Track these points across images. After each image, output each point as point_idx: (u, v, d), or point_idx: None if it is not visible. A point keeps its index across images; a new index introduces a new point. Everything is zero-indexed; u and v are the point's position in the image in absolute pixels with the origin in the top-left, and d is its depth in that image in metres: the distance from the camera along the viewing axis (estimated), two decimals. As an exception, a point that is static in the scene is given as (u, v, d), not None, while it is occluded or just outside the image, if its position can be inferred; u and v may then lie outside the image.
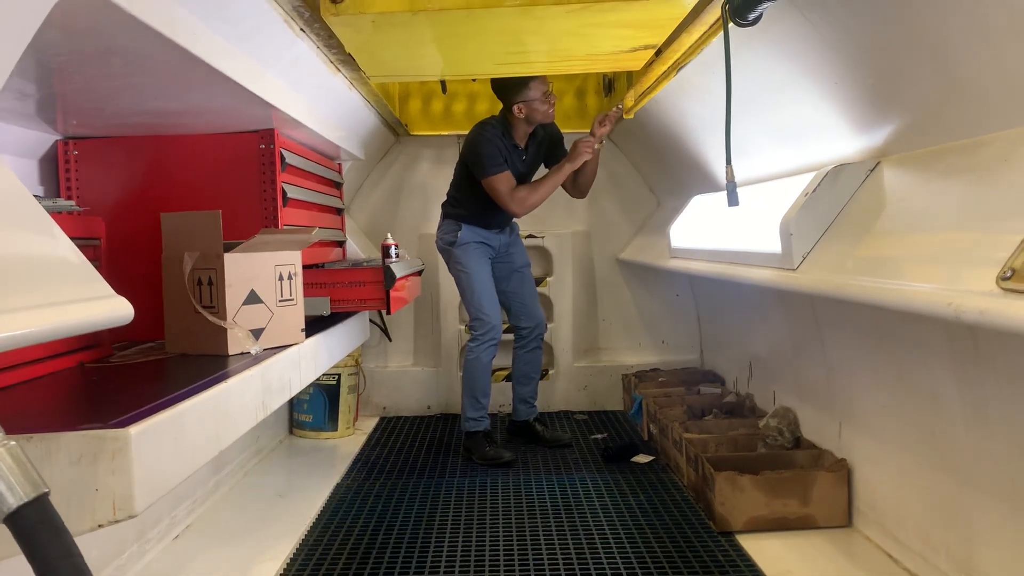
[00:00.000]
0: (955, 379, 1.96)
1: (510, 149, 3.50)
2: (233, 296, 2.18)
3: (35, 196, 1.37)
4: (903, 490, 2.31)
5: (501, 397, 4.24)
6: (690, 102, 3.07)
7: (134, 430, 1.34)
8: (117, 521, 1.35)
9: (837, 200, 2.11)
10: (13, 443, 0.80)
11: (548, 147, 3.64)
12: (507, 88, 3.42)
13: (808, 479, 2.59)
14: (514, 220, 3.76)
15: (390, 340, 4.42)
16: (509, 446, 3.69)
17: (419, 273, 3.80)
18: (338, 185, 3.79)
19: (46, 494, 0.80)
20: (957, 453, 2.02)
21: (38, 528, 0.78)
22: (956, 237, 1.63)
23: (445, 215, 3.67)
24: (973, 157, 1.68)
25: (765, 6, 1.83)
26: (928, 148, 1.87)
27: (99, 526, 1.34)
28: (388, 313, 3.04)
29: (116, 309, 1.29)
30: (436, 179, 4.41)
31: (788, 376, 3.16)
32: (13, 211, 1.26)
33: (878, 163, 2.06)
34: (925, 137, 1.88)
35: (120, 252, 2.45)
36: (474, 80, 4.14)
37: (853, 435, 2.61)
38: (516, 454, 3.54)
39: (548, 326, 4.37)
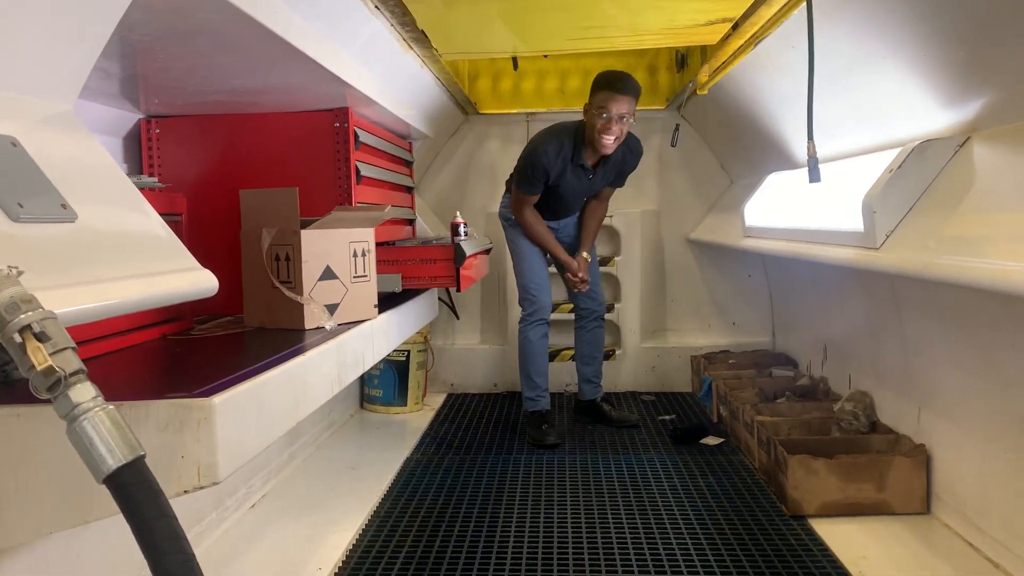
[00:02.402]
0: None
1: (568, 165, 3.32)
2: (309, 272, 2.22)
3: (123, 172, 1.41)
4: (986, 477, 2.24)
5: (567, 376, 4.24)
6: (767, 77, 2.99)
7: (218, 399, 1.37)
8: (202, 487, 1.39)
9: (923, 177, 2.03)
10: (112, 407, 0.83)
11: (617, 171, 3.49)
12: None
13: (884, 464, 2.53)
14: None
15: (458, 318, 4.45)
16: (576, 426, 3.70)
17: (487, 252, 3.81)
18: (409, 164, 3.82)
19: (142, 457, 0.83)
20: (1047, 441, 1.94)
21: (135, 489, 0.81)
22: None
23: (508, 189, 3.67)
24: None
25: (852, -25, 1.77)
26: (1020, 123, 1.79)
27: (184, 492, 1.39)
28: (458, 291, 3.06)
29: (203, 281, 1.33)
30: (504, 158, 4.41)
31: (864, 359, 3.08)
32: (109, 188, 1.30)
33: (968, 138, 1.98)
34: (1016, 112, 1.79)
35: (200, 228, 2.51)
36: (545, 56, 4.11)
37: (933, 420, 2.53)
38: (563, 438, 3.50)
39: (615, 306, 4.35)
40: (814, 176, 2.07)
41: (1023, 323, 1.95)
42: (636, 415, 3.82)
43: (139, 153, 2.70)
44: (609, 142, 3.19)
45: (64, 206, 1.10)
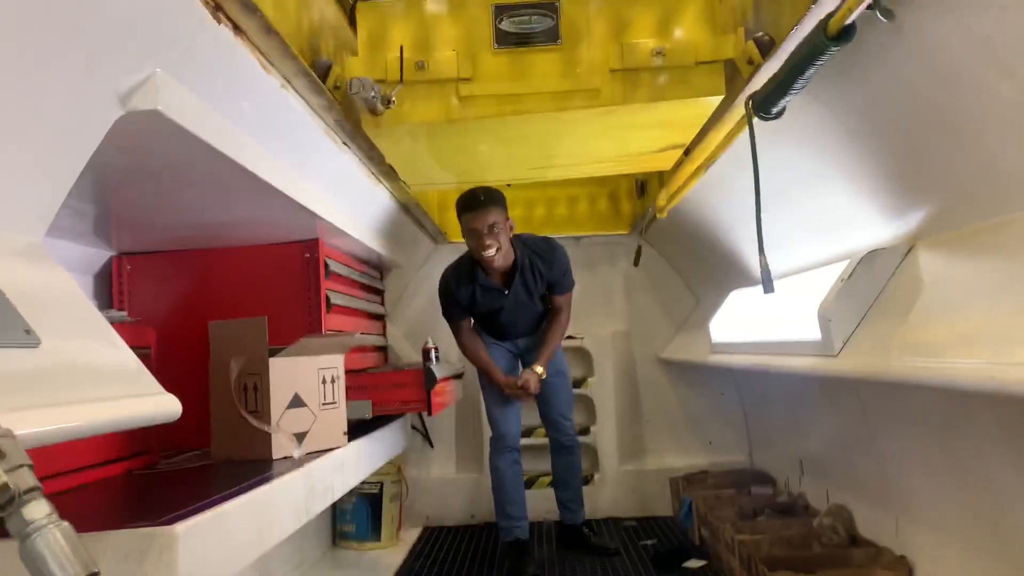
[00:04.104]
0: (1010, 464, 1.90)
1: (476, 289, 3.29)
2: (277, 400, 2.22)
3: (90, 303, 1.44)
4: (969, 586, 2.20)
5: (546, 503, 4.16)
6: (721, 197, 3.12)
7: (181, 527, 1.36)
8: (162, 618, 1.35)
9: (874, 285, 2.11)
10: (66, 524, 0.83)
11: (537, 278, 3.34)
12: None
13: (867, 578, 2.48)
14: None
15: (432, 446, 4.39)
16: (557, 554, 3.60)
17: (459, 376, 3.81)
18: (380, 292, 3.88)
19: (96, 574, 0.81)
20: (1021, 542, 1.93)
21: (88, 608, 0.79)
22: (996, 316, 1.61)
23: None
24: (1006, 235, 1.68)
25: (787, 99, 1.89)
26: (961, 229, 1.88)
27: (145, 624, 1.34)
28: (429, 414, 3.05)
29: (166, 405, 1.34)
30: (475, 285, 4.49)
31: (840, 472, 3.07)
32: (74, 317, 1.32)
33: (912, 246, 2.07)
34: (957, 218, 1.89)
35: (170, 361, 2.50)
36: (508, 185, 4.26)
37: (911, 530, 2.51)
38: (542, 568, 3.40)
39: (591, 428, 4.32)
40: (768, 288, 2.14)
41: (984, 425, 1.98)
42: (615, 543, 3.70)
43: (110, 289, 2.73)
44: (490, 255, 3.13)
45: (28, 331, 1.12)
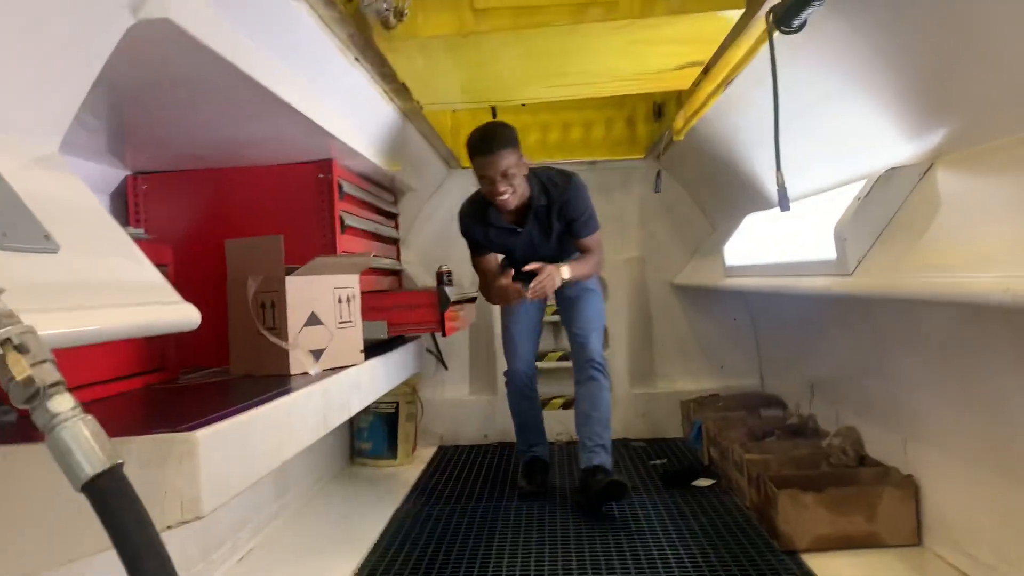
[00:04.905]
0: (1019, 385, 1.90)
1: (490, 228, 3.18)
2: (294, 318, 2.24)
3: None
4: (974, 504, 2.24)
5: (558, 425, 4.22)
6: (740, 118, 3.07)
7: (201, 434, 1.38)
8: (185, 522, 1.39)
9: (890, 204, 2.08)
10: (91, 417, 0.85)
11: (562, 218, 3.14)
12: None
13: (873, 495, 2.53)
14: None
15: (446, 368, 4.45)
16: (569, 472, 3.67)
17: (472, 300, 3.84)
18: (394, 216, 3.87)
19: (120, 464, 0.84)
20: (1029, 460, 1.95)
21: (113, 496, 0.82)
22: (1014, 234, 1.60)
23: None
24: (1027, 151, 1.66)
25: (809, 11, 1.85)
26: (981, 147, 1.85)
27: (168, 527, 1.39)
28: (443, 335, 3.08)
29: (185, 314, 1.36)
30: (489, 210, 4.49)
31: (851, 395, 3.10)
32: (92, 225, 1.33)
33: (931, 164, 2.04)
34: (978, 136, 1.86)
35: (187, 278, 2.52)
36: (523, 105, 4.20)
37: (919, 451, 2.54)
38: (543, 487, 3.40)
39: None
40: (784, 205, 2.12)
41: (996, 346, 1.98)
42: (624, 477, 3.22)
43: (126, 208, 2.74)
44: (504, 200, 2.98)
45: (47, 237, 1.13)
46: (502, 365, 4.33)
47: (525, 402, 3.47)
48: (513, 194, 2.98)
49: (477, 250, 3.29)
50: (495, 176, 2.93)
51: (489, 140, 2.93)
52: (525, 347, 3.43)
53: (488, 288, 3.30)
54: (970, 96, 1.85)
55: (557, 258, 3.20)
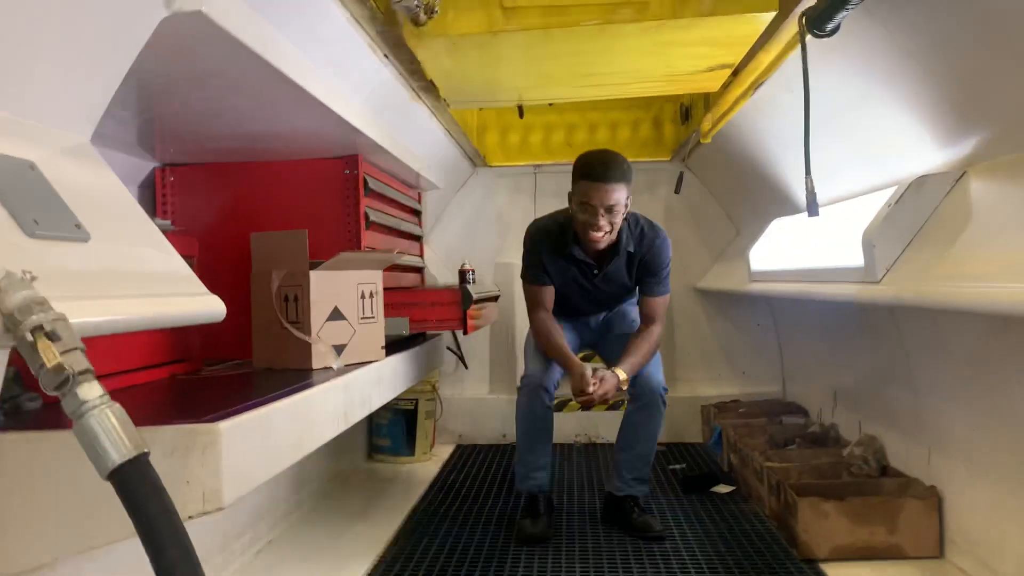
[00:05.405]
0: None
1: (565, 261, 2.88)
2: (317, 312, 2.25)
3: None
4: (998, 517, 2.21)
5: (577, 427, 4.21)
6: (768, 122, 3.05)
7: (224, 425, 1.39)
8: (206, 512, 1.39)
9: (921, 211, 2.06)
10: (118, 405, 0.85)
11: (640, 270, 2.91)
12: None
13: (896, 506, 2.50)
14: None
15: (466, 367, 4.45)
16: (586, 473, 3.64)
17: (495, 299, 3.83)
18: (418, 213, 3.88)
19: (147, 454, 0.84)
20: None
21: (138, 484, 0.82)
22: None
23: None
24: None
25: (843, 14, 1.82)
26: (1016, 155, 1.82)
27: (189, 517, 1.39)
28: (465, 333, 3.08)
29: (211, 305, 1.36)
30: (512, 210, 4.51)
31: (874, 404, 3.07)
32: (122, 215, 1.35)
33: (964, 172, 2.01)
34: (1012, 144, 1.83)
35: (212, 271, 2.53)
36: (550, 104, 4.20)
37: (943, 462, 2.51)
38: (550, 529, 2.87)
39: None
40: (813, 211, 2.10)
41: (1021, 357, 1.95)
42: (661, 525, 2.90)
43: (153, 200, 2.76)
44: (598, 238, 2.73)
45: (78, 226, 1.14)
46: (523, 363, 4.35)
47: (539, 416, 2.93)
48: (609, 233, 2.74)
49: (537, 277, 2.92)
50: (599, 208, 2.66)
51: (608, 167, 2.66)
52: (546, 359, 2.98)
53: (545, 337, 2.91)
54: (1005, 103, 1.82)
55: (617, 300, 3.08)
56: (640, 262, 2.88)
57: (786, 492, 2.66)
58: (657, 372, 2.97)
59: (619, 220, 2.74)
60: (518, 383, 3.25)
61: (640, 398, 2.91)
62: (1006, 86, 1.77)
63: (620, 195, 2.69)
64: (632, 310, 3.17)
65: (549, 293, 2.94)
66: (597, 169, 2.67)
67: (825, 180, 2.44)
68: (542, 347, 2.92)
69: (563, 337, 2.91)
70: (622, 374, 2.78)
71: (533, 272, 2.93)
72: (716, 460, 3.84)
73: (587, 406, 2.78)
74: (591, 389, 2.70)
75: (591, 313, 3.13)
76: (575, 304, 3.03)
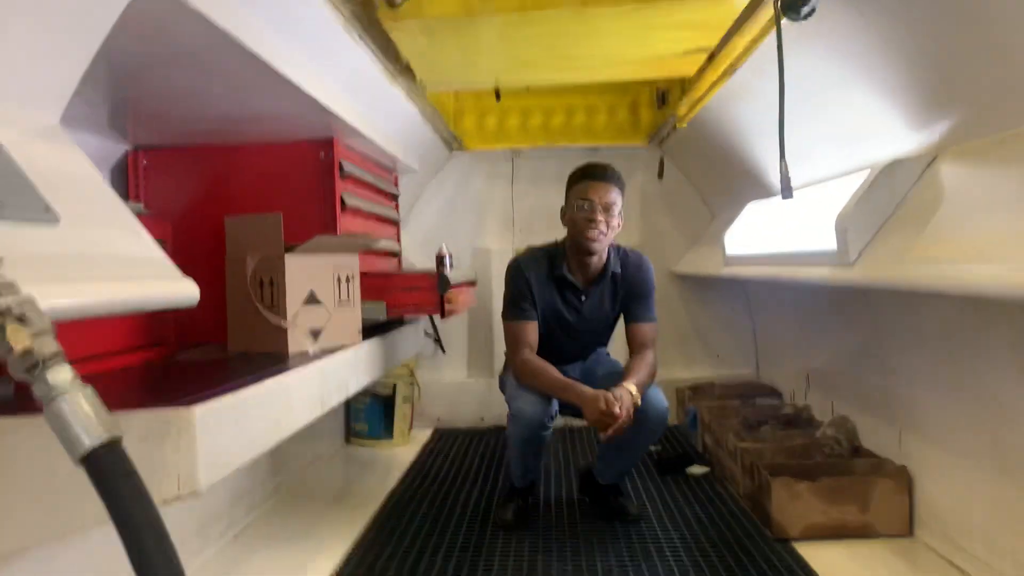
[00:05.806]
0: (1015, 379, 1.91)
1: (552, 287, 2.83)
2: (293, 296, 2.23)
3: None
4: (967, 497, 2.25)
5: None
6: (743, 106, 3.06)
7: (199, 410, 1.38)
8: (181, 497, 1.39)
9: (894, 195, 2.08)
10: (90, 389, 0.84)
11: (625, 296, 2.88)
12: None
13: (867, 485, 2.53)
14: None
15: (444, 352, 4.46)
16: (565, 456, 3.67)
17: (472, 284, 3.83)
18: (394, 197, 3.86)
19: (119, 438, 0.84)
20: (1021, 458, 1.96)
21: (111, 469, 0.82)
22: (1016, 229, 1.59)
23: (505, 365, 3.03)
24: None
25: (817, -3, 1.83)
26: (985, 139, 1.84)
27: (164, 502, 1.39)
28: (442, 317, 3.07)
29: (185, 289, 1.35)
30: (490, 194, 4.51)
31: (846, 386, 3.11)
32: (92, 197, 1.33)
33: (935, 157, 2.03)
34: (983, 128, 1.85)
35: (186, 255, 2.51)
36: (528, 88, 4.18)
37: (914, 443, 2.55)
38: (526, 515, 2.87)
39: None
40: (786, 193, 2.11)
41: (994, 342, 1.98)
42: (638, 508, 2.91)
43: (126, 183, 2.72)
44: (593, 236, 2.70)
45: (47, 209, 1.12)
46: (500, 348, 4.35)
47: (526, 443, 2.78)
48: (604, 236, 2.73)
49: (521, 311, 2.80)
50: (598, 204, 2.68)
51: (606, 170, 2.74)
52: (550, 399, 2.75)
53: (539, 374, 2.72)
54: (976, 87, 1.84)
55: (594, 344, 3.02)
56: (626, 286, 2.86)
57: (760, 472, 2.70)
58: (662, 396, 2.80)
59: (614, 225, 2.74)
60: (497, 375, 3.14)
61: (646, 423, 2.69)
62: (976, 71, 1.79)
63: (616, 198, 2.73)
64: (609, 356, 3.11)
65: (533, 329, 2.82)
66: (597, 170, 2.75)
67: (798, 162, 2.45)
68: (538, 386, 2.71)
69: (555, 368, 2.74)
70: (632, 387, 2.61)
71: (517, 306, 2.82)
72: (691, 441, 3.87)
73: (611, 436, 2.55)
74: (617, 409, 2.51)
75: (568, 361, 2.95)
76: (554, 348, 2.88)
